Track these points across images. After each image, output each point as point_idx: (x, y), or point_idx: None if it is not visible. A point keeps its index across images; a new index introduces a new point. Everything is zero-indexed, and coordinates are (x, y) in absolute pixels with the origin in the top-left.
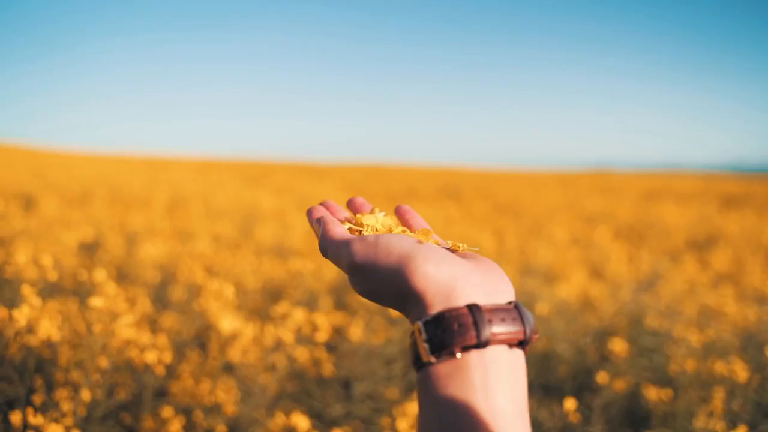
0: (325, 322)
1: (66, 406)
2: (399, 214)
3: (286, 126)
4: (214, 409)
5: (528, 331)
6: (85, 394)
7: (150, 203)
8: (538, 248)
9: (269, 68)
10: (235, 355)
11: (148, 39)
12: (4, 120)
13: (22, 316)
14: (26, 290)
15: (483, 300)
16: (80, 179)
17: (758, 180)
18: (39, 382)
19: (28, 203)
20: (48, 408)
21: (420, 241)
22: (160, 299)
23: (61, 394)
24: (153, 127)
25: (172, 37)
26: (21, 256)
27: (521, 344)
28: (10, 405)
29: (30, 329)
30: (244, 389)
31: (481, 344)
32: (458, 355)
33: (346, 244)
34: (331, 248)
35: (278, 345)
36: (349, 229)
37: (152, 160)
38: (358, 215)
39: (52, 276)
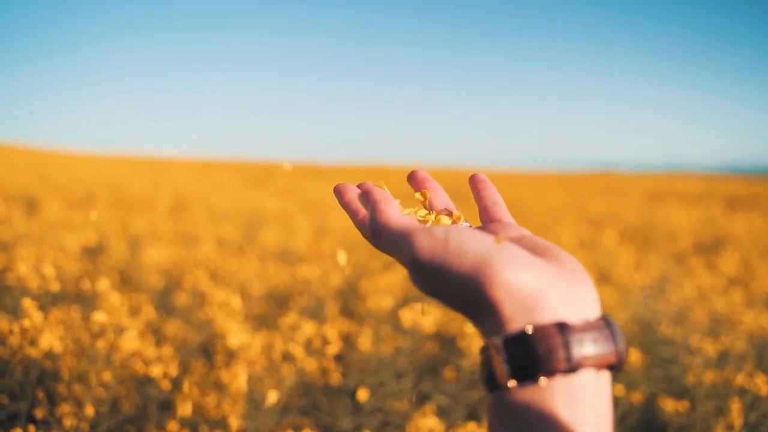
0: (335, 334)
1: (69, 422)
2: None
3: (287, 126)
4: (221, 423)
5: (621, 352)
6: (89, 410)
7: (152, 205)
8: None
9: (270, 68)
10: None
11: (148, 39)
12: (4, 120)
13: (23, 331)
14: (27, 304)
15: (570, 314)
16: (82, 180)
17: (761, 181)
18: (41, 395)
19: (30, 205)
20: (50, 424)
21: (498, 240)
22: (164, 305)
23: (64, 409)
24: (154, 127)
25: (172, 37)
26: (23, 267)
27: (611, 367)
28: (12, 420)
29: (32, 341)
30: (251, 402)
31: (571, 369)
32: (542, 381)
33: (407, 236)
34: (387, 236)
35: (286, 357)
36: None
37: (154, 161)
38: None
39: (54, 287)
